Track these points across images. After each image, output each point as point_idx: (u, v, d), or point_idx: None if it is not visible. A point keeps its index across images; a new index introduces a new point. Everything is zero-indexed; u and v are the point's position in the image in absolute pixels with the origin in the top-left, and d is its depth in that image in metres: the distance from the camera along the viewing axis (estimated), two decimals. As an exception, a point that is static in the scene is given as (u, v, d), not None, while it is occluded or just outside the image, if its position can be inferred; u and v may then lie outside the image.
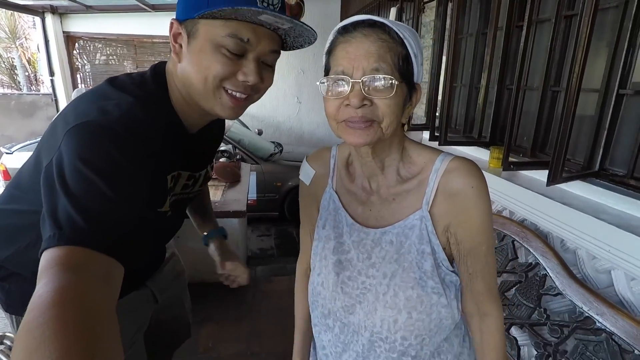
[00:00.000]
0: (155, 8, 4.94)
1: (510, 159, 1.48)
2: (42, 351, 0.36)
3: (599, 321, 1.06)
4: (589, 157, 1.37)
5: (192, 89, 0.68)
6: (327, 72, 0.63)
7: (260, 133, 4.75)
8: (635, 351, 0.96)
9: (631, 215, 1.19)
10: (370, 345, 0.69)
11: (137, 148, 0.61)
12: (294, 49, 0.75)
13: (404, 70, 0.59)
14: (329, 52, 0.63)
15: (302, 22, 0.64)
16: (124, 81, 0.71)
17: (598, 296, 1.09)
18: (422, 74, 0.64)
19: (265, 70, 0.69)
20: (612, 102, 1.29)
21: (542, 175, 1.58)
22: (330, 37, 0.63)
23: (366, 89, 0.57)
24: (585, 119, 1.44)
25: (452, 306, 0.68)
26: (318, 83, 0.63)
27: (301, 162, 0.82)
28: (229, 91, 0.67)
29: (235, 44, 0.63)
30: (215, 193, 2.80)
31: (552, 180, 1.20)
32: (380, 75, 0.57)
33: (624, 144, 1.32)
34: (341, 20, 4.95)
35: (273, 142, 4.49)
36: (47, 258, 0.48)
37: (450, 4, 2.20)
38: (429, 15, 2.62)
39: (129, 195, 0.57)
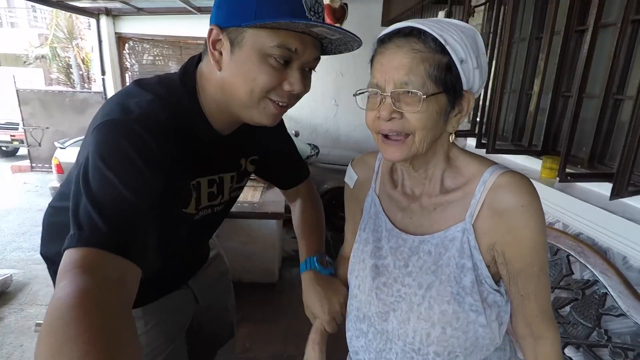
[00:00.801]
0: (201, 10, 5.13)
1: (567, 170, 1.41)
2: (65, 352, 0.39)
3: (669, 347, 0.99)
4: (658, 171, 1.29)
5: (234, 98, 0.67)
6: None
7: (297, 135, 4.79)
8: None
9: None
10: (404, 355, 0.67)
11: (154, 147, 0.60)
12: (332, 54, 0.74)
13: (443, 79, 0.56)
14: (371, 62, 0.63)
15: (351, 32, 0.63)
16: (150, 81, 0.71)
17: (668, 320, 1.02)
18: (479, 79, 0.60)
19: (306, 77, 0.69)
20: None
21: (599, 187, 1.50)
22: (373, 47, 0.63)
23: (395, 102, 0.57)
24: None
25: (491, 327, 0.65)
26: (353, 95, 0.64)
27: (337, 164, 0.83)
28: (274, 100, 0.67)
29: (283, 53, 0.62)
30: (254, 194, 2.87)
31: (616, 194, 1.14)
32: (409, 90, 0.56)
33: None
34: (382, 21, 4.87)
35: (310, 144, 4.52)
36: (67, 258, 0.49)
37: (503, 8, 2.14)
38: (477, 19, 2.55)
39: (146, 196, 0.58)
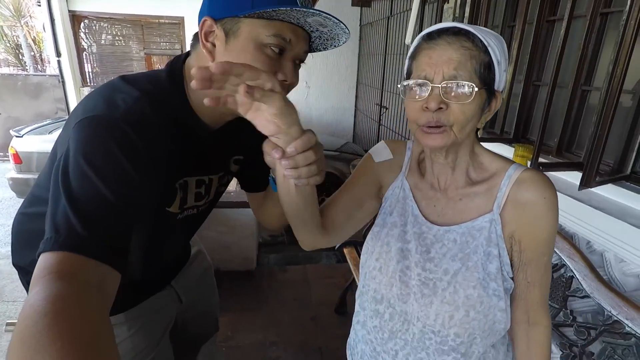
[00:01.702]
0: (163, -13, 4.84)
1: (540, 160, 1.47)
2: None
3: (628, 325, 1.08)
4: (621, 160, 1.37)
5: None
6: (408, 76, 0.67)
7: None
8: (667, 357, 0.98)
9: (663, 221, 1.19)
10: (421, 335, 0.71)
11: (141, 146, 0.59)
12: (317, 51, 0.75)
13: (485, 77, 0.62)
14: (412, 57, 0.66)
15: (343, 23, 0.64)
16: (137, 76, 0.69)
17: (628, 301, 1.11)
18: (504, 81, 0.65)
19: (297, 70, 0.69)
20: (649, 105, 1.28)
21: (568, 175, 1.57)
22: (415, 43, 0.66)
23: (444, 93, 0.60)
24: (617, 121, 1.43)
25: (507, 312, 0.70)
26: (399, 85, 0.67)
27: None
28: None
29: (279, 43, 0.63)
30: (231, 183, 2.81)
31: (585, 184, 1.20)
32: (460, 82, 0.60)
33: (658, 148, 1.32)
34: (353, 4, 4.83)
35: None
36: (42, 263, 0.47)
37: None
38: (450, 3, 2.55)
39: (130, 197, 0.56)
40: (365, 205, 0.81)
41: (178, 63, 0.71)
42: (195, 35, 0.69)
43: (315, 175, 0.57)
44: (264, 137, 0.93)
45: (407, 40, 2.63)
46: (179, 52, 5.57)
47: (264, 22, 0.61)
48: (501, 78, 0.64)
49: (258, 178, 0.96)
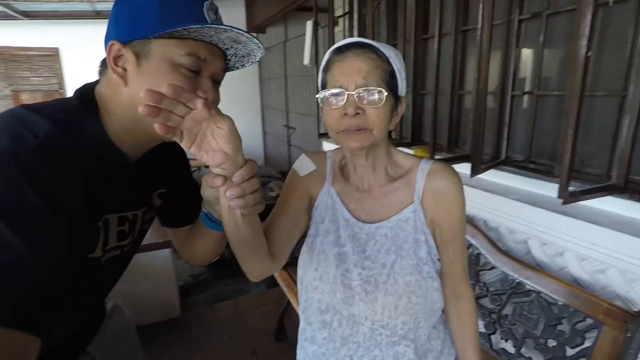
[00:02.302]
0: (28, 15, 4.29)
1: (436, 157, 1.68)
2: None
3: (528, 284, 1.28)
4: (496, 149, 1.64)
5: None
6: (323, 87, 0.73)
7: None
8: (559, 302, 1.18)
9: (535, 193, 1.45)
10: (372, 333, 0.74)
11: (58, 185, 0.53)
12: (234, 69, 0.75)
13: (390, 84, 0.69)
14: (326, 70, 0.73)
15: (257, 38, 0.64)
16: (43, 104, 0.62)
17: (524, 264, 1.31)
18: (405, 88, 0.74)
19: (216, 88, 0.68)
20: (508, 102, 1.57)
21: (459, 167, 1.82)
22: (326, 57, 0.72)
23: (358, 100, 0.67)
24: (488, 117, 1.71)
25: (440, 291, 0.78)
26: (317, 96, 0.71)
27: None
28: None
29: (194, 62, 0.61)
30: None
31: (474, 172, 1.41)
32: (371, 88, 0.67)
33: (520, 135, 1.61)
34: (247, 26, 4.92)
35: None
36: None
37: (355, 16, 2.39)
38: (340, 27, 2.80)
39: (45, 248, 0.50)
40: (301, 221, 0.82)
41: (88, 90, 0.66)
42: (103, 61, 0.65)
43: (259, 203, 0.58)
44: (186, 169, 0.91)
45: (306, 61, 2.78)
46: (56, 88, 4.96)
47: (176, 42, 0.60)
48: (402, 85, 0.73)
49: (183, 212, 0.90)
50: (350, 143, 0.69)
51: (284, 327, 2.34)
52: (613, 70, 1.26)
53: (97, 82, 0.68)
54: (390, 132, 0.76)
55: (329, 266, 0.76)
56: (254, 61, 0.73)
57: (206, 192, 0.63)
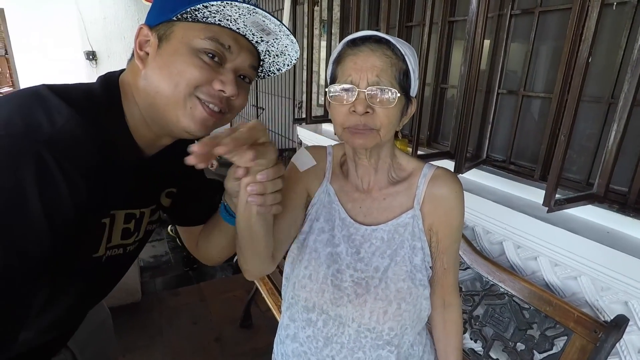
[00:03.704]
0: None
1: (418, 152, 1.63)
2: None
3: (502, 287, 1.28)
4: (477, 147, 1.61)
5: (158, 96, 0.58)
6: (333, 80, 0.68)
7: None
8: (532, 307, 1.19)
9: (513, 195, 1.44)
10: (357, 335, 0.73)
11: (64, 186, 0.49)
12: (269, 75, 0.71)
13: (403, 83, 0.66)
14: (337, 62, 0.68)
15: (289, 29, 0.60)
16: (67, 87, 0.58)
17: (499, 266, 1.31)
18: (417, 88, 0.71)
19: (242, 87, 0.63)
20: (494, 100, 1.53)
21: (438, 163, 1.79)
22: (339, 48, 0.68)
23: (370, 98, 0.63)
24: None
25: (429, 299, 0.76)
26: (326, 90, 0.67)
27: None
28: (203, 101, 0.59)
29: (216, 48, 0.58)
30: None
31: (457, 170, 1.37)
32: (384, 87, 0.63)
33: (502, 135, 1.59)
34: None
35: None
36: None
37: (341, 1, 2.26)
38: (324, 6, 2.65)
39: (36, 257, 0.46)
40: (299, 219, 0.78)
41: (113, 77, 0.63)
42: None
43: (277, 204, 0.57)
44: (197, 171, 0.83)
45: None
46: (2, 52, 4.46)
47: (200, 25, 0.57)
48: (415, 85, 0.69)
49: (195, 211, 0.85)
50: (355, 140, 0.67)
51: (250, 314, 2.29)
52: (600, 75, 1.25)
53: (122, 69, 0.65)
54: (396, 133, 0.73)
55: (320, 265, 0.74)
56: (290, 63, 0.69)
57: (229, 184, 0.63)
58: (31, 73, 4.49)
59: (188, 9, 0.55)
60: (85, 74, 4.62)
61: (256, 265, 0.72)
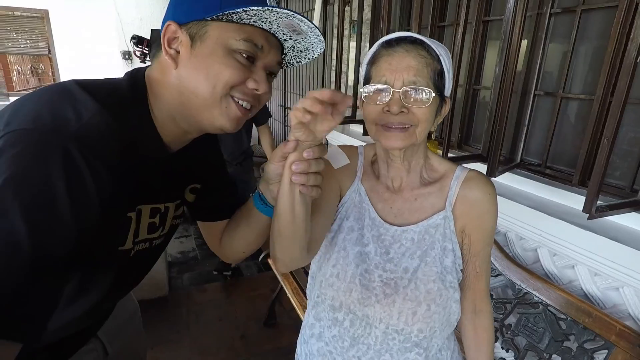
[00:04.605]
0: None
1: (449, 155, 1.60)
2: None
3: (536, 295, 1.23)
4: (511, 150, 1.56)
5: (193, 97, 0.60)
6: (367, 81, 0.69)
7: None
8: (568, 318, 1.14)
9: (549, 200, 1.39)
10: (384, 337, 0.72)
11: (90, 180, 0.49)
12: (289, 66, 0.72)
13: (438, 83, 0.65)
14: (371, 63, 0.68)
15: (318, 28, 0.61)
16: (96, 83, 0.59)
17: (533, 274, 1.26)
18: (450, 88, 0.70)
19: (269, 82, 0.65)
20: (531, 102, 1.48)
21: (470, 166, 1.75)
22: (373, 49, 0.68)
23: (404, 98, 0.63)
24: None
25: (459, 303, 0.74)
26: (361, 90, 0.67)
27: None
28: (236, 100, 0.61)
29: (250, 49, 0.59)
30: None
31: (490, 174, 1.33)
32: (419, 87, 0.63)
33: (537, 138, 1.54)
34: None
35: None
36: None
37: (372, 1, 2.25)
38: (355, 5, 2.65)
39: (59, 251, 0.47)
40: (333, 214, 0.78)
41: (140, 73, 0.64)
42: (156, 45, 0.63)
43: (317, 186, 0.59)
44: (222, 165, 0.87)
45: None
46: (45, 51, 4.72)
47: (234, 26, 0.58)
48: (449, 85, 0.69)
49: (219, 206, 0.86)
50: (390, 142, 0.66)
51: (275, 313, 2.31)
52: (648, 77, 1.18)
53: (148, 66, 0.66)
54: (430, 134, 0.70)
55: (348, 264, 0.73)
56: (312, 57, 0.69)
57: (271, 166, 0.63)
58: (72, 71, 4.73)
59: (227, 12, 0.55)
60: (122, 74, 4.81)
61: (292, 254, 0.71)
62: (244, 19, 0.57)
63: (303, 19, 0.58)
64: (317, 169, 0.58)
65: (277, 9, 0.55)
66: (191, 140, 0.70)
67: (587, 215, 0.99)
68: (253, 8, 0.54)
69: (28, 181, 0.45)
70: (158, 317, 2.29)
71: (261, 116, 2.46)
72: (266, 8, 0.54)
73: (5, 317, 0.43)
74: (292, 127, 0.55)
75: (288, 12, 0.56)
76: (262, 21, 0.58)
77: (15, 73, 5.32)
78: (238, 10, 0.54)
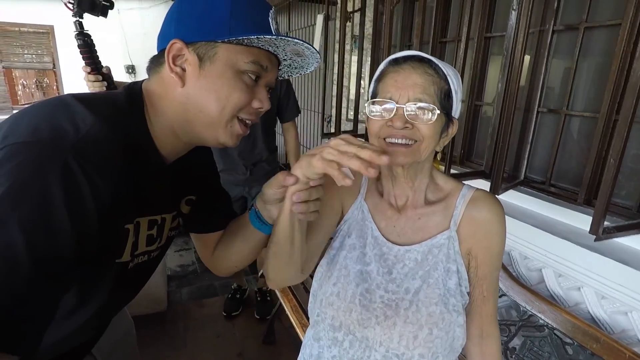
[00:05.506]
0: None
1: (451, 171, 1.58)
2: None
3: (541, 318, 1.19)
4: (515, 167, 1.54)
5: (201, 115, 0.61)
6: (373, 97, 0.68)
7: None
8: (575, 343, 1.10)
9: (554, 219, 1.36)
10: None
11: (87, 193, 0.49)
12: (280, 78, 0.74)
13: (444, 103, 0.64)
14: (378, 80, 0.68)
15: (317, 51, 0.63)
16: (92, 96, 0.60)
17: (538, 295, 1.23)
18: (459, 109, 0.68)
19: (268, 96, 0.68)
20: (534, 119, 1.47)
21: (472, 183, 1.73)
22: (381, 67, 0.68)
23: (408, 114, 0.63)
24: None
25: (464, 327, 0.71)
26: (366, 104, 0.67)
27: None
28: (241, 119, 0.64)
29: (258, 69, 0.61)
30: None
31: (493, 191, 1.31)
32: (423, 104, 0.62)
33: (541, 155, 1.52)
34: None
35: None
36: None
37: (373, 17, 2.26)
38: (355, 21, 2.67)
39: (55, 265, 0.47)
40: (330, 232, 0.77)
41: (137, 86, 0.65)
42: (154, 58, 0.65)
43: (316, 212, 0.61)
44: (216, 176, 0.87)
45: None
46: (50, 66, 4.78)
47: (243, 49, 0.59)
48: (457, 106, 0.67)
49: (214, 218, 0.85)
50: (392, 158, 0.64)
51: (274, 330, 2.26)
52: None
53: (144, 79, 0.67)
54: (436, 154, 0.70)
55: (349, 283, 0.71)
56: (305, 72, 0.72)
57: (270, 190, 0.65)
58: (75, 86, 4.77)
59: (245, 37, 0.57)
60: (125, 88, 4.86)
61: (285, 275, 0.71)
62: (253, 43, 0.59)
63: (309, 46, 0.61)
64: (317, 196, 0.60)
65: (288, 39, 0.59)
66: (187, 151, 0.71)
67: (594, 237, 0.96)
68: (267, 37, 0.57)
69: (26, 193, 0.45)
70: (155, 333, 2.24)
71: (289, 111, 1.97)
72: (279, 38, 0.58)
73: (1, 329, 0.43)
74: (304, 168, 0.57)
75: (297, 40, 0.59)
76: (270, 45, 0.61)
77: (20, 87, 5.39)
78: (252, 37, 0.57)
